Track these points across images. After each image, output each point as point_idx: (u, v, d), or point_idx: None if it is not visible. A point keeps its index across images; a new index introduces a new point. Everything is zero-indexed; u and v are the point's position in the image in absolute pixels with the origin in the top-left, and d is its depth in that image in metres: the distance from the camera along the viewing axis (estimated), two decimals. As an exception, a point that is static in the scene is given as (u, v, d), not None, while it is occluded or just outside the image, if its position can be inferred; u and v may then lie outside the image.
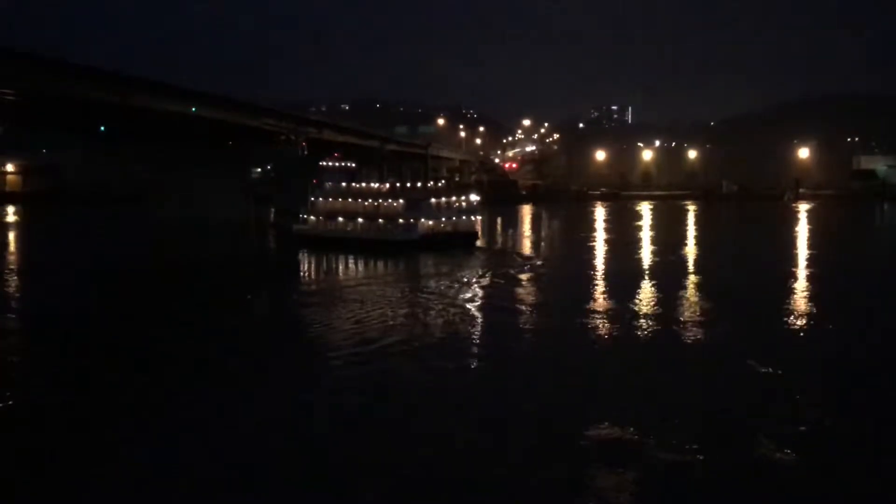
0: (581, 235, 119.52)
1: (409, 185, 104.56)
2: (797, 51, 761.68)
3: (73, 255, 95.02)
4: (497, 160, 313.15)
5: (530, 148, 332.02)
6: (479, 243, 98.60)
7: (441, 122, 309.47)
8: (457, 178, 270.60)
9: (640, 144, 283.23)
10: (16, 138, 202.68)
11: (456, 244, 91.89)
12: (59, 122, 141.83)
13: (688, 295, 60.22)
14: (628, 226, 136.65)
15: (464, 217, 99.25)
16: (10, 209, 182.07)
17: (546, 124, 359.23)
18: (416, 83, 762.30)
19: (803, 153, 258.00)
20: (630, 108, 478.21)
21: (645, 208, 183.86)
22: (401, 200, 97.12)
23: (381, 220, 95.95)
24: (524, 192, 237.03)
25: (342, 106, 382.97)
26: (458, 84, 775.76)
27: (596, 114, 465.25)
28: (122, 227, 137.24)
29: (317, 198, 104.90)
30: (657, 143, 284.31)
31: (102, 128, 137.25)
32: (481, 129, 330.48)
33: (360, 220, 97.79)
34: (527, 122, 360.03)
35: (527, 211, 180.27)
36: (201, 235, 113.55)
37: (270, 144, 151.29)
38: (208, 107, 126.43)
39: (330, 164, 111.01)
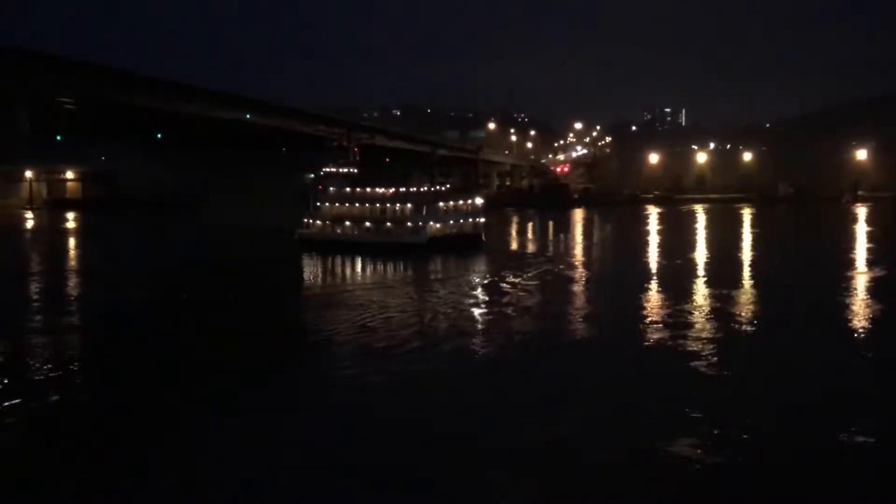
0: (632, 239, 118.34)
1: (415, 189, 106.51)
2: (855, 50, 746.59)
3: (121, 259, 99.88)
4: (548, 164, 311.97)
5: (582, 151, 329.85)
6: (533, 250, 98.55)
7: (492, 126, 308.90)
8: (508, 183, 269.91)
9: (694, 147, 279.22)
10: (75, 146, 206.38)
11: (462, 245, 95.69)
12: (116, 129, 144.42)
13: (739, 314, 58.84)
14: (681, 229, 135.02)
15: (470, 220, 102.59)
16: (70, 215, 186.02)
17: (598, 127, 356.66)
18: (466, 88, 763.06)
19: (861, 154, 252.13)
20: (683, 111, 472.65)
21: (700, 211, 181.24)
22: (409, 205, 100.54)
23: (388, 224, 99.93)
24: (576, 196, 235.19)
25: (393, 112, 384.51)
26: (509, 88, 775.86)
27: (649, 116, 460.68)
28: (167, 232, 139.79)
29: (322, 203, 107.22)
30: (711, 145, 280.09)
31: (159, 135, 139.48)
32: (532, 132, 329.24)
33: (367, 223, 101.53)
34: (578, 126, 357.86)
35: (577, 214, 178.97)
36: (238, 240, 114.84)
37: (323, 150, 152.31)
38: (262, 114, 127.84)
39: (334, 169, 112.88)
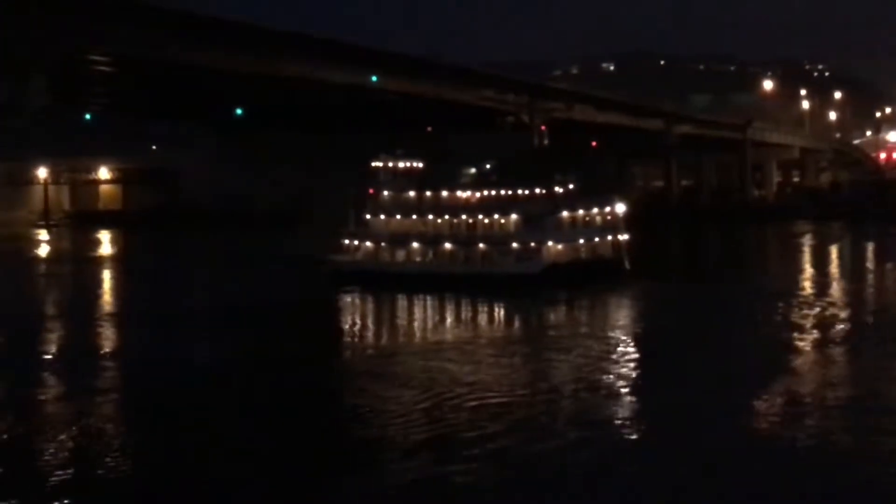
0: None
1: (523, 191, 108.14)
2: None
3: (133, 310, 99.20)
4: (866, 147, 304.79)
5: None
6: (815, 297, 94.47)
7: (768, 86, 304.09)
8: (796, 179, 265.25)
9: None
10: (111, 128, 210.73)
11: (595, 275, 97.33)
12: (175, 103, 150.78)
13: None
14: None
15: (607, 237, 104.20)
16: (105, 237, 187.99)
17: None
18: (721, 28, 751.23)
19: None
20: None
21: None
22: (514, 215, 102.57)
23: (481, 246, 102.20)
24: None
25: (603, 65, 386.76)
26: (796, 27, 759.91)
27: None
28: (219, 265, 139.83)
29: (373, 215, 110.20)
30: None
31: (239, 110, 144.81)
32: (837, 94, 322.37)
33: (446, 245, 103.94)
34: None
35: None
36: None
37: (494, 130, 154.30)
38: (395, 75, 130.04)
39: (388, 164, 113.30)
